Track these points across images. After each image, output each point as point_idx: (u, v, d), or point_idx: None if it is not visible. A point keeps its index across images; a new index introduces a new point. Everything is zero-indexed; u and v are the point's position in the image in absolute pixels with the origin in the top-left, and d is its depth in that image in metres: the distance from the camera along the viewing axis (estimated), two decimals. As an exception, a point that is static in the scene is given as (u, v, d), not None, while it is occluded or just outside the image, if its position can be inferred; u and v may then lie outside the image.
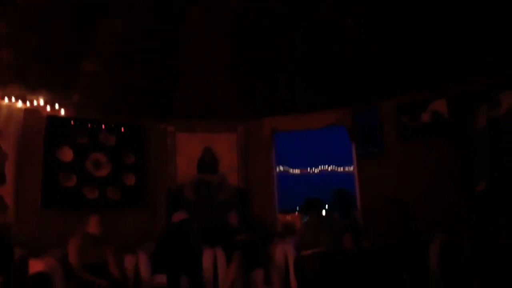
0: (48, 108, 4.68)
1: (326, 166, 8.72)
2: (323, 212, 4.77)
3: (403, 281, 3.78)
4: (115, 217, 4.80)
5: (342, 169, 8.29)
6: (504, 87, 4.11)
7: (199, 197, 5.46)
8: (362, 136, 5.17)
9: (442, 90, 4.52)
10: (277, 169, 6.27)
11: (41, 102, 4.63)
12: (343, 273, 3.91)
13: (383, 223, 4.36)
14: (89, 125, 4.97)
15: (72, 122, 4.83)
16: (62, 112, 4.81)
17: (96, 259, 3.93)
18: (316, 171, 8.80)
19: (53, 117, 4.71)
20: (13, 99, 4.47)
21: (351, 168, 7.40)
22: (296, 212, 5.81)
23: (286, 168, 8.41)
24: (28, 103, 4.57)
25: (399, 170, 4.70)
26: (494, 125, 4.17)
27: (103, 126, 5.05)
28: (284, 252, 4.64)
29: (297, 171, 8.71)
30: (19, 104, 4.52)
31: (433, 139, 4.52)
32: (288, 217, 5.78)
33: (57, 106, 4.74)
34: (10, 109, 4.48)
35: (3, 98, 4.43)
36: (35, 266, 3.70)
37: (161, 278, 4.18)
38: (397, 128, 4.82)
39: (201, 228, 5.09)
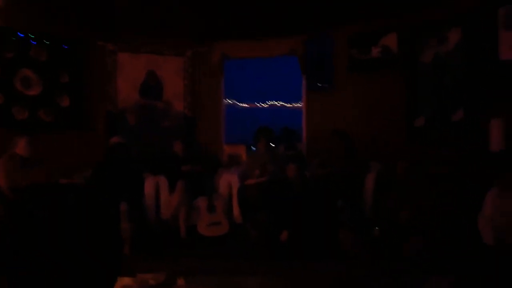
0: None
1: (275, 101, 8.69)
2: (271, 144, 4.75)
3: (338, 207, 3.92)
4: (49, 139, 4.47)
5: (291, 105, 8.32)
6: (452, 24, 4.10)
7: (141, 123, 5.22)
8: (313, 68, 5.09)
9: (393, 22, 4.44)
10: (225, 101, 6.10)
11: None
12: (285, 201, 3.98)
13: (327, 154, 4.45)
14: (17, 37, 4.42)
15: (-5, 32, 4.28)
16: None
17: (26, 181, 3.69)
18: (264, 106, 8.77)
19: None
20: None
21: (300, 104, 7.42)
22: (243, 145, 5.79)
23: (234, 101, 8.28)
24: None
25: (346, 103, 4.73)
26: (439, 61, 4.22)
27: (33, 39, 4.52)
28: (228, 181, 4.65)
29: (245, 105, 8.62)
30: None
31: (382, 73, 4.54)
32: (234, 149, 5.75)
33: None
34: None
35: None
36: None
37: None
38: (348, 61, 4.78)
39: (142, 155, 4.91)
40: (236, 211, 4.48)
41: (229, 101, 7.71)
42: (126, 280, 2.88)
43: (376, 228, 3.34)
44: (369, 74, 4.62)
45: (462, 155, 3.74)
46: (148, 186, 4.46)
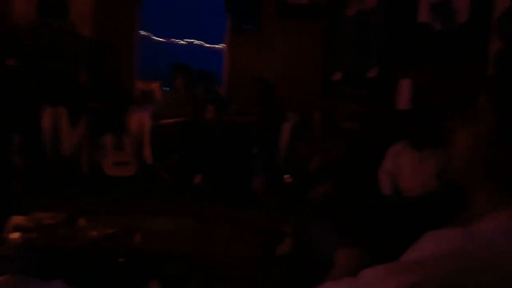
0: None
1: (195, 40, 8.27)
2: (188, 83, 4.50)
3: (253, 154, 3.96)
4: None
5: (211, 45, 7.98)
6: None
7: (39, 46, 4.55)
8: (238, 8, 4.84)
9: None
10: (140, 32, 5.58)
11: None
12: (201, 144, 3.88)
13: (246, 100, 4.38)
14: None
15: None
16: None
17: None
18: (182, 43, 8.31)
19: None
20: None
21: (221, 46, 7.14)
22: (158, 81, 5.44)
23: (149, 33, 7.67)
24: None
25: (271, 50, 4.62)
26: (361, 17, 4.28)
27: None
28: (140, 119, 4.37)
29: (161, 39, 8.07)
30: None
31: (308, 22, 4.47)
32: (148, 85, 5.38)
33: None
34: None
35: None
36: None
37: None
38: (276, 4, 4.61)
39: (40, 83, 4.34)
40: (147, 151, 4.26)
41: (143, 33, 7.13)
42: (18, 219, 2.59)
43: (288, 175, 3.43)
44: (297, 21, 4.52)
45: (373, 111, 3.95)
46: (46, 118, 4.00)
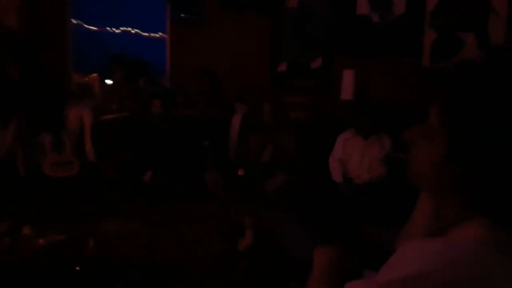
0: None
1: (130, 28, 7.89)
2: (128, 75, 4.30)
3: (204, 147, 3.92)
4: None
5: (149, 34, 7.67)
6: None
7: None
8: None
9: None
10: (72, 21, 5.22)
11: None
12: (148, 139, 3.76)
13: (192, 92, 4.30)
14: None
15: None
16: None
17: None
18: (116, 31, 7.89)
19: None
20: None
21: (159, 35, 6.90)
22: (95, 74, 5.14)
23: (80, 21, 7.18)
24: None
25: (216, 40, 4.56)
26: (304, 8, 4.35)
27: None
28: (79, 115, 4.13)
29: (93, 27, 7.60)
30: None
31: (253, 14, 4.46)
32: (85, 78, 5.07)
33: None
34: None
35: None
36: None
37: None
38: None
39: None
40: (89, 148, 4.05)
41: (74, 21, 6.66)
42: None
43: (241, 168, 3.45)
44: (241, 12, 4.48)
45: (319, 102, 4.06)
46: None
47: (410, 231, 0.96)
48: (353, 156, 3.20)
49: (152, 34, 7.47)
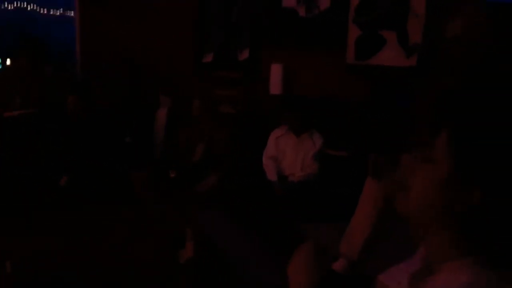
0: None
1: (25, 3, 6.93)
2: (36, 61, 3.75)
3: (126, 143, 3.66)
4: None
5: (51, 12, 6.80)
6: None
7: None
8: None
9: None
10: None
11: None
12: (61, 139, 3.37)
13: (111, 85, 3.94)
14: None
15: None
16: None
17: None
18: (9, 8, 6.88)
19: None
20: None
21: (60, 12, 6.17)
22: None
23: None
24: None
25: (132, 23, 4.14)
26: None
27: None
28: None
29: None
30: None
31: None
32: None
33: None
34: None
35: None
36: None
37: None
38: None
39: None
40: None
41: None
42: None
43: (171, 169, 3.26)
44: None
45: (248, 95, 3.99)
46: None
47: (357, 224, 0.98)
48: (287, 154, 3.21)
49: (55, 12, 6.65)
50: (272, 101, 3.79)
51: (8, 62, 4.30)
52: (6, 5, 6.70)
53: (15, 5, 6.73)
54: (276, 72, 3.84)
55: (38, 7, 6.78)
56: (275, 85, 3.84)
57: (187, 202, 2.94)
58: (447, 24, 2.31)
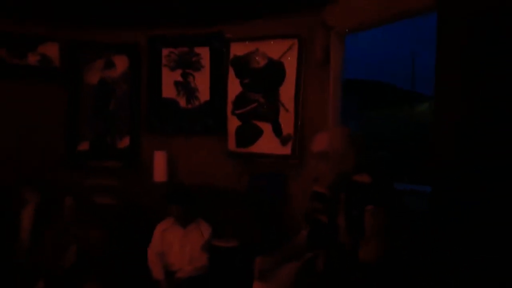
0: None
1: None
2: None
3: None
4: None
5: None
6: (120, 51, 4.12)
7: None
8: None
9: (54, 32, 3.94)
10: None
11: None
12: None
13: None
14: None
15: None
16: None
17: None
18: None
19: None
20: None
21: None
22: None
23: None
24: None
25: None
26: (105, 85, 4.15)
27: None
28: None
29: None
30: None
31: (43, 86, 3.93)
32: None
33: None
34: None
35: None
36: None
37: None
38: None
39: None
40: None
41: None
42: None
43: (39, 279, 2.81)
44: (26, 84, 3.88)
45: (129, 185, 3.81)
46: None
47: None
48: (174, 248, 3.07)
49: None
50: (157, 190, 3.68)
51: None
52: None
53: None
54: (159, 159, 3.80)
55: None
56: (159, 172, 3.77)
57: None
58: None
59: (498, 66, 1.66)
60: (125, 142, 4.04)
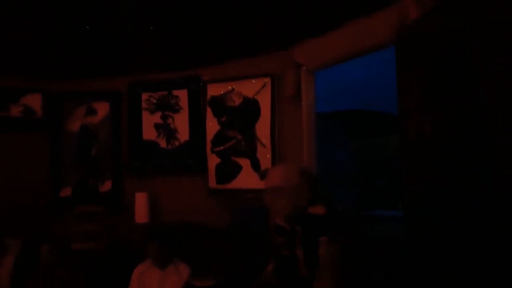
0: None
1: None
2: None
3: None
4: None
5: None
6: (101, 98, 4.24)
7: None
8: None
9: (36, 84, 4.08)
10: None
11: None
12: None
13: None
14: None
15: None
16: None
17: None
18: None
19: None
20: None
21: None
22: None
23: None
24: None
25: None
26: (87, 131, 4.23)
27: None
28: None
29: None
30: None
31: (26, 136, 4.03)
32: None
33: None
34: None
35: None
36: None
37: None
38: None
39: None
40: None
41: None
42: None
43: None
44: (9, 134, 3.98)
45: (111, 227, 3.82)
46: None
47: None
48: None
49: None
50: (139, 231, 3.69)
51: None
52: None
53: None
54: (141, 200, 3.83)
55: None
56: (141, 214, 3.79)
57: None
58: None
59: (450, 93, 1.74)
60: (107, 185, 4.08)
